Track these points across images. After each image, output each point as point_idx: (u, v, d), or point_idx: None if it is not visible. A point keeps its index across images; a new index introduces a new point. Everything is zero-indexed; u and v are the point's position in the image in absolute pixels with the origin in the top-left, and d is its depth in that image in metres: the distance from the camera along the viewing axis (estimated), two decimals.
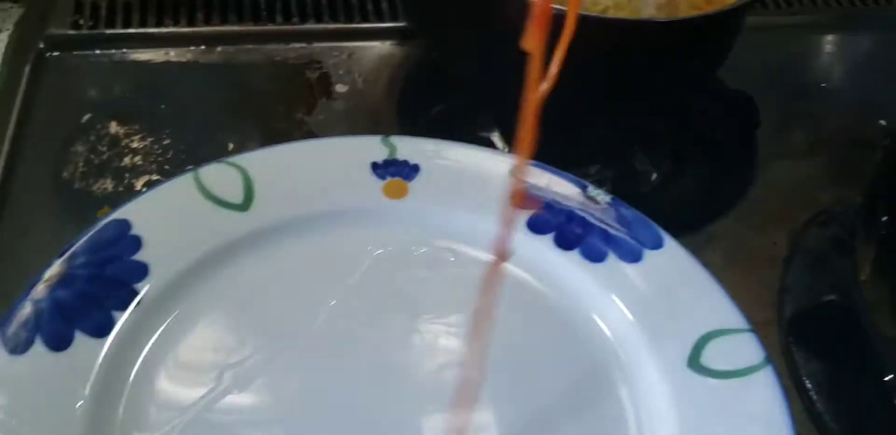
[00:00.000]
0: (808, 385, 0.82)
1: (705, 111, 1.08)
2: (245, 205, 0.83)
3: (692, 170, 1.03)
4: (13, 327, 0.71)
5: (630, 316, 0.80)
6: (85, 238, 0.78)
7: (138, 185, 0.93)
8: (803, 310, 0.88)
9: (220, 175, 0.83)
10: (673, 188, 1.00)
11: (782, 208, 0.99)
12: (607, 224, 0.83)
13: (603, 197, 0.85)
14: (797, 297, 0.90)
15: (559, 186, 0.85)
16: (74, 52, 1.07)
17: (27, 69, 1.03)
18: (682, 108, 1.07)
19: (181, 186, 0.82)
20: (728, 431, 0.72)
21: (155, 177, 0.94)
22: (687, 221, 0.91)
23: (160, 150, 0.97)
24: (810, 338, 0.86)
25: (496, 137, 1.00)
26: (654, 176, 1.01)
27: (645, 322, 0.79)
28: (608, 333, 0.81)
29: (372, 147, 0.87)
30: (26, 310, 0.72)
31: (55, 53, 1.06)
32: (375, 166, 0.86)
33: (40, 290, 0.74)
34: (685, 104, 1.07)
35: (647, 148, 1.02)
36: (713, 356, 0.76)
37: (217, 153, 0.87)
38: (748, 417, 0.72)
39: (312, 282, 0.81)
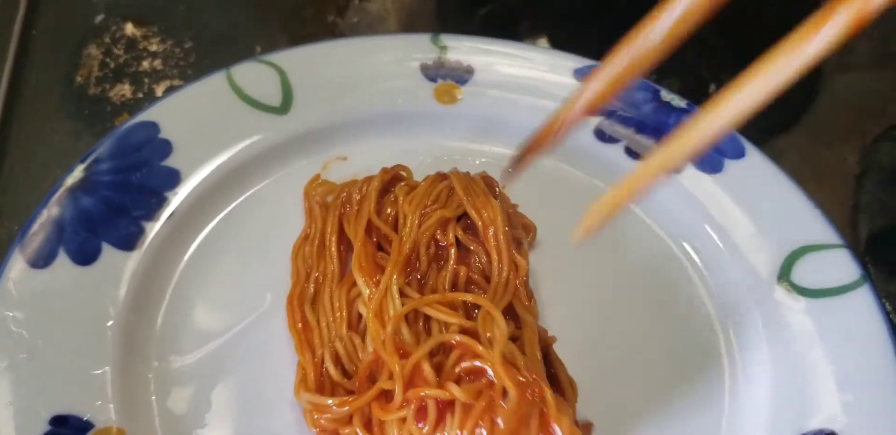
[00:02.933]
0: (889, 307, 0.76)
1: (769, 20, 0.99)
2: (284, 107, 0.75)
3: None
4: (34, 238, 0.64)
5: (709, 228, 0.73)
6: (109, 142, 0.70)
7: (159, 91, 0.85)
8: (880, 229, 0.82)
9: (255, 74, 0.76)
10: None
11: (851, 123, 0.92)
12: None
13: (678, 102, 0.77)
14: (873, 215, 0.83)
15: (629, 92, 0.77)
16: None
17: None
18: (744, 18, 0.98)
19: (213, 87, 0.75)
20: (824, 354, 0.66)
21: (177, 82, 0.86)
22: (750, 137, 0.83)
23: (181, 54, 0.89)
24: (889, 258, 0.79)
25: (544, 41, 0.92)
26: (713, 88, 0.93)
27: (727, 234, 0.73)
28: (689, 248, 0.74)
29: (421, 46, 0.79)
30: (47, 219, 0.65)
31: None
32: (425, 67, 0.78)
33: (61, 197, 0.67)
34: (748, 14, 0.99)
35: (710, 59, 0.94)
36: (805, 274, 0.70)
37: (244, 57, 0.79)
38: (845, 339, 0.66)
39: None
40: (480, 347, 0.57)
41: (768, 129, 0.90)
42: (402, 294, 0.62)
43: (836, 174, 0.87)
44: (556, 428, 0.55)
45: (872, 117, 0.92)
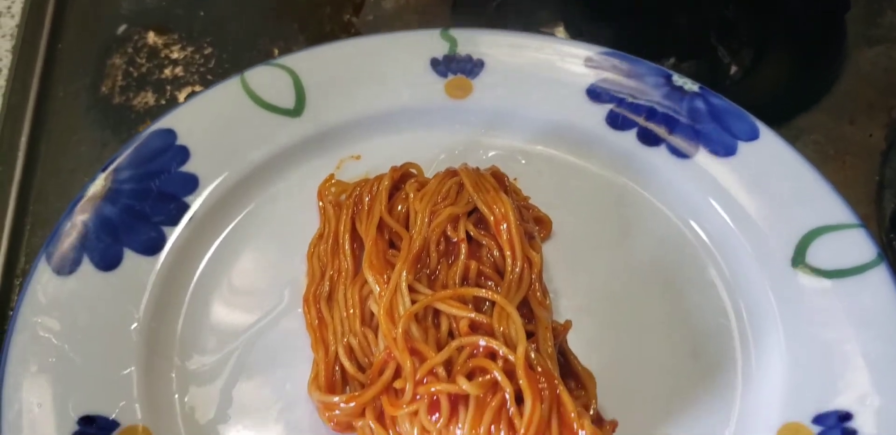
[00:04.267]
0: None
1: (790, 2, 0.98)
2: (297, 109, 0.76)
3: (776, 61, 0.94)
4: (59, 247, 0.67)
5: (723, 212, 0.73)
6: (129, 151, 0.72)
7: (181, 97, 0.87)
8: None
9: (268, 78, 0.77)
10: (755, 80, 0.92)
11: (877, 98, 0.90)
12: (693, 119, 0.76)
13: (690, 85, 0.77)
14: None
15: (641, 78, 0.77)
16: None
17: None
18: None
19: (227, 92, 0.76)
20: (839, 335, 0.66)
21: (198, 88, 0.88)
22: (772, 115, 0.82)
23: (202, 60, 0.91)
24: None
25: (560, 32, 0.92)
26: (734, 69, 0.92)
27: (741, 218, 0.72)
28: (703, 234, 0.74)
29: (430, 42, 0.80)
30: (71, 228, 0.68)
31: None
32: (435, 63, 0.79)
33: (85, 206, 0.69)
34: None
35: (728, 39, 0.94)
36: (820, 254, 0.69)
37: (263, 60, 0.80)
38: (860, 319, 0.66)
39: None
40: (505, 349, 0.58)
41: (792, 107, 0.90)
42: (412, 290, 0.63)
43: (861, 151, 0.86)
44: (580, 432, 0.57)
45: None
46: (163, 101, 0.87)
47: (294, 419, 0.65)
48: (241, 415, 0.65)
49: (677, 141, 0.75)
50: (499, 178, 0.71)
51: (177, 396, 0.65)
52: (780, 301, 0.68)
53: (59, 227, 0.68)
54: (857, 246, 0.69)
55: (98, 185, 0.70)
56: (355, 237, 0.71)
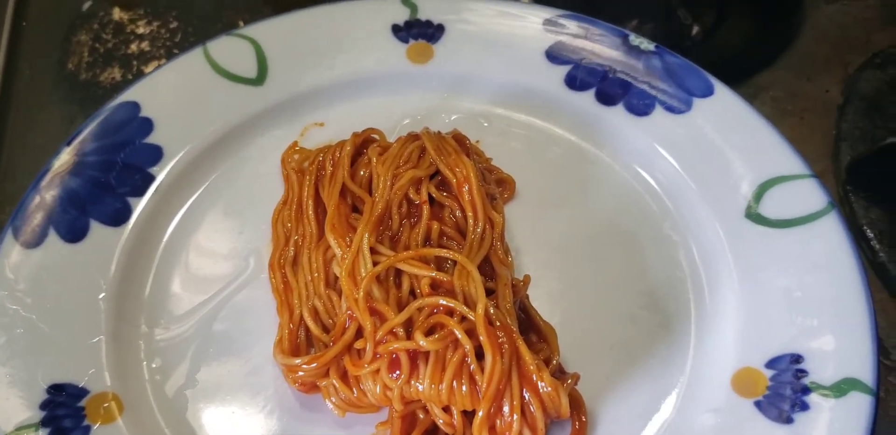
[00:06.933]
0: (870, 234, 0.77)
1: None
2: (260, 78, 0.77)
3: (736, 21, 0.95)
4: (25, 220, 0.68)
5: (679, 168, 0.74)
6: (93, 124, 0.73)
7: (148, 72, 0.88)
8: (861, 156, 0.82)
9: (230, 48, 0.78)
10: (717, 40, 0.93)
11: (834, 54, 0.92)
12: (650, 77, 0.77)
13: (647, 45, 0.78)
14: (854, 143, 0.83)
15: (598, 39, 0.79)
16: None
17: None
18: None
19: (190, 63, 0.77)
20: (791, 282, 0.67)
21: (164, 62, 0.88)
22: (733, 74, 0.83)
23: (168, 35, 0.91)
24: (870, 185, 0.79)
25: None
26: (696, 30, 0.93)
27: (696, 173, 0.74)
28: (658, 189, 0.75)
29: (391, 8, 0.80)
30: (37, 201, 0.69)
31: None
32: (397, 29, 0.80)
33: (51, 180, 0.70)
34: None
35: (689, 1, 0.94)
36: (772, 205, 0.71)
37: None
38: (812, 266, 0.68)
39: None
40: (465, 308, 0.59)
41: (751, 65, 0.91)
42: (374, 252, 0.64)
43: (818, 106, 0.88)
44: (541, 384, 0.58)
45: (856, 48, 0.92)
46: (129, 76, 0.88)
47: (260, 383, 0.66)
48: (207, 381, 0.66)
49: (634, 100, 0.77)
50: (460, 141, 0.72)
51: (144, 363, 0.66)
52: (734, 251, 0.70)
53: (25, 200, 0.69)
54: (809, 195, 0.70)
55: (63, 158, 0.71)
56: (319, 203, 0.72)
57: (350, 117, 0.78)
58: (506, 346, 0.58)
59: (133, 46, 0.90)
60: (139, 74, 0.88)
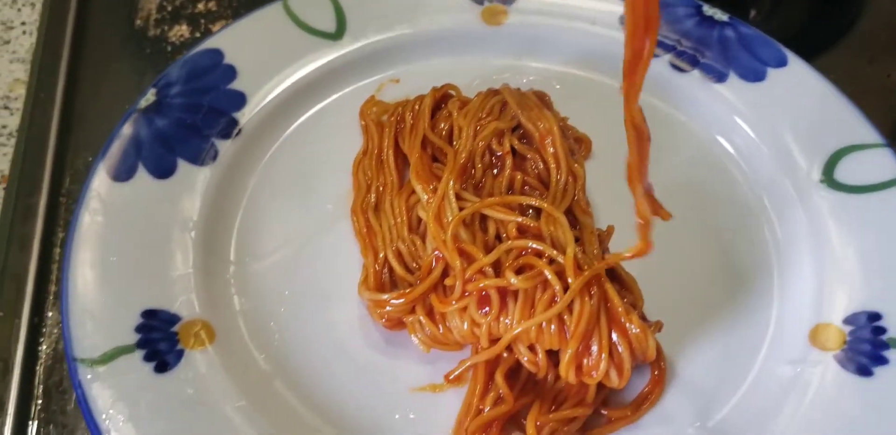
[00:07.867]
0: None
1: None
2: (338, 33, 0.78)
3: (794, 2, 0.97)
4: (115, 155, 0.69)
5: (753, 135, 0.75)
6: (178, 67, 0.74)
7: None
8: None
9: (309, 2, 0.79)
10: (776, 22, 0.94)
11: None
12: (724, 46, 0.78)
13: (720, 15, 0.79)
14: None
15: (673, 8, 0.80)
16: None
17: None
18: None
19: (270, 15, 0.78)
20: (866, 244, 0.69)
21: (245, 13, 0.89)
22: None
23: None
24: None
25: None
26: (753, 13, 0.95)
27: (772, 140, 0.75)
28: (735, 153, 0.77)
29: None
30: (125, 138, 0.70)
31: None
32: None
33: (138, 118, 0.71)
34: None
35: None
36: (848, 172, 0.72)
37: None
38: (886, 230, 0.69)
39: None
40: (554, 251, 0.60)
41: (812, 46, 0.91)
42: (458, 198, 0.65)
43: (879, 90, 0.88)
44: (629, 325, 0.59)
45: None
46: (197, 34, 0.89)
47: (345, 320, 0.67)
48: (293, 312, 0.67)
49: (709, 67, 0.78)
50: (541, 98, 0.73)
51: (235, 294, 0.67)
52: (809, 215, 0.71)
53: (114, 136, 0.69)
54: (883, 164, 0.72)
55: (149, 99, 0.72)
56: (398, 154, 0.73)
57: (423, 75, 0.79)
58: (594, 288, 0.59)
59: (200, 5, 0.91)
60: (207, 33, 0.88)
